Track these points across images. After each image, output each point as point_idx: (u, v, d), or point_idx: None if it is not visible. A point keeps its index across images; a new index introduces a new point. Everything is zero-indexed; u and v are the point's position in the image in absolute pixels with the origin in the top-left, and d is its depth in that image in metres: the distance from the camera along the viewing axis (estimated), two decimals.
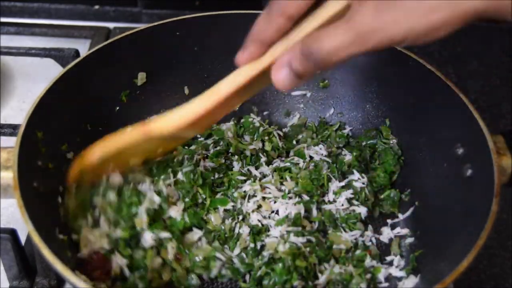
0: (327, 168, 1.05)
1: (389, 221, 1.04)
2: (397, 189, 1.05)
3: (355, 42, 0.66)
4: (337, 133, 1.14)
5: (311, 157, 1.08)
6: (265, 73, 0.76)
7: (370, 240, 1.00)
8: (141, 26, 1.08)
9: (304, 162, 1.06)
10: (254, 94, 0.89)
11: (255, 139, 1.11)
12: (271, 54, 0.76)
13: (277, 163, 1.08)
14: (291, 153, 1.11)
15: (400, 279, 0.94)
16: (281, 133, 1.14)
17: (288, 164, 1.06)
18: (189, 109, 0.84)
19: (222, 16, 1.10)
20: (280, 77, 0.72)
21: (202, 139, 1.13)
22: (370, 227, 1.02)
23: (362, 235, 1.00)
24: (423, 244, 0.97)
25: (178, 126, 0.85)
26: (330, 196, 1.02)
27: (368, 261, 0.96)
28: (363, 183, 1.03)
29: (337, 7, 0.72)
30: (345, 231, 0.99)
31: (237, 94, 0.80)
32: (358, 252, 0.97)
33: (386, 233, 1.02)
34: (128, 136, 0.88)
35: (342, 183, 1.03)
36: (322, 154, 1.08)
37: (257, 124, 1.13)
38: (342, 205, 1.01)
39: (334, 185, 1.03)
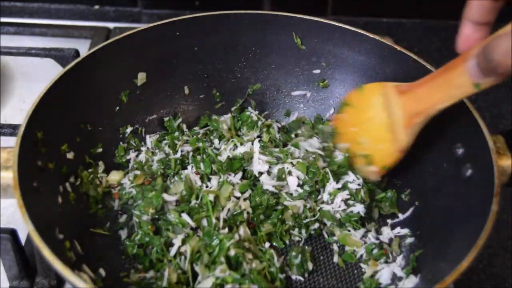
0: (323, 161, 1.03)
1: (389, 221, 1.04)
2: (393, 189, 1.05)
3: None
4: None
5: (306, 151, 1.07)
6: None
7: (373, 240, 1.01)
8: (141, 26, 1.08)
9: (299, 153, 1.05)
10: None
11: (253, 130, 1.11)
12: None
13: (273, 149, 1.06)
14: (289, 146, 1.09)
15: (400, 279, 0.94)
16: (279, 125, 1.14)
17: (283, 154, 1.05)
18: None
19: (222, 16, 1.10)
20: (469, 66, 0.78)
21: (196, 128, 1.14)
22: (372, 227, 1.03)
23: (365, 235, 1.01)
24: (423, 244, 0.97)
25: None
26: (325, 196, 1.02)
27: (382, 261, 0.97)
28: (359, 184, 1.02)
29: None
30: (354, 229, 1.00)
31: None
32: (375, 251, 0.97)
33: (386, 233, 1.02)
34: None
35: (339, 185, 1.02)
36: (315, 147, 1.06)
37: (255, 118, 1.12)
38: (340, 206, 1.00)
39: (331, 186, 1.02)
